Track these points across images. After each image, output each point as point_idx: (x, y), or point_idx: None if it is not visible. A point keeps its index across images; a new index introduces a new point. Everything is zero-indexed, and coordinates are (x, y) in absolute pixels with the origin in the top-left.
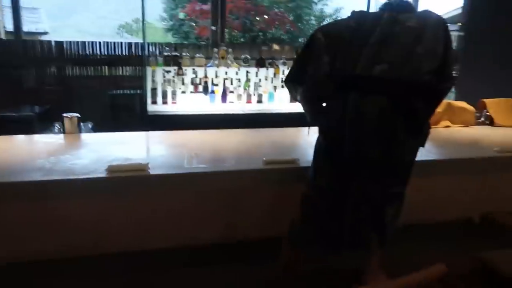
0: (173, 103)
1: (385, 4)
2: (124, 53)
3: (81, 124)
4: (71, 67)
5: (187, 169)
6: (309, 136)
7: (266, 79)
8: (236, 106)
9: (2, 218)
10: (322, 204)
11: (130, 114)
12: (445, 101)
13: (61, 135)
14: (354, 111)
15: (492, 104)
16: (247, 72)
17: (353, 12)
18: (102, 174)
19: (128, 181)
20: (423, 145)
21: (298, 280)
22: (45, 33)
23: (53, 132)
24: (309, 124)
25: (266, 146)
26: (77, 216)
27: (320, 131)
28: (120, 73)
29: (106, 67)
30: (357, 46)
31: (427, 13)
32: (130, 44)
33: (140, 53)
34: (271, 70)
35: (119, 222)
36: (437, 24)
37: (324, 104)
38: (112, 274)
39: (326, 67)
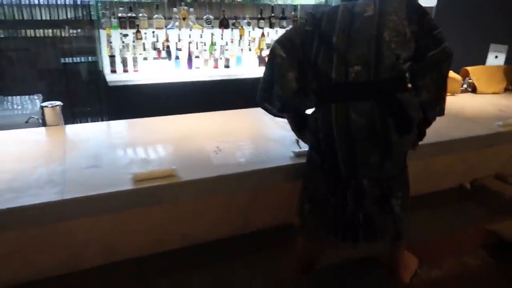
0: (135, 71)
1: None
2: (69, 13)
3: (28, 97)
4: (5, 31)
5: (218, 170)
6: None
7: (232, 42)
8: (203, 72)
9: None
10: (325, 212)
11: (87, 85)
12: None
13: (43, 129)
14: (341, 122)
15: (475, 72)
16: (212, 34)
17: (308, 15)
18: (128, 186)
19: (154, 190)
20: (414, 148)
21: (319, 274)
22: None
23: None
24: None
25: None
26: (90, 232)
27: (310, 146)
28: (68, 37)
29: (50, 30)
30: (322, 52)
31: None
32: (75, 2)
33: (89, 14)
34: (236, 32)
35: (135, 231)
36: (398, 3)
37: (309, 117)
38: (125, 280)
39: (293, 84)
